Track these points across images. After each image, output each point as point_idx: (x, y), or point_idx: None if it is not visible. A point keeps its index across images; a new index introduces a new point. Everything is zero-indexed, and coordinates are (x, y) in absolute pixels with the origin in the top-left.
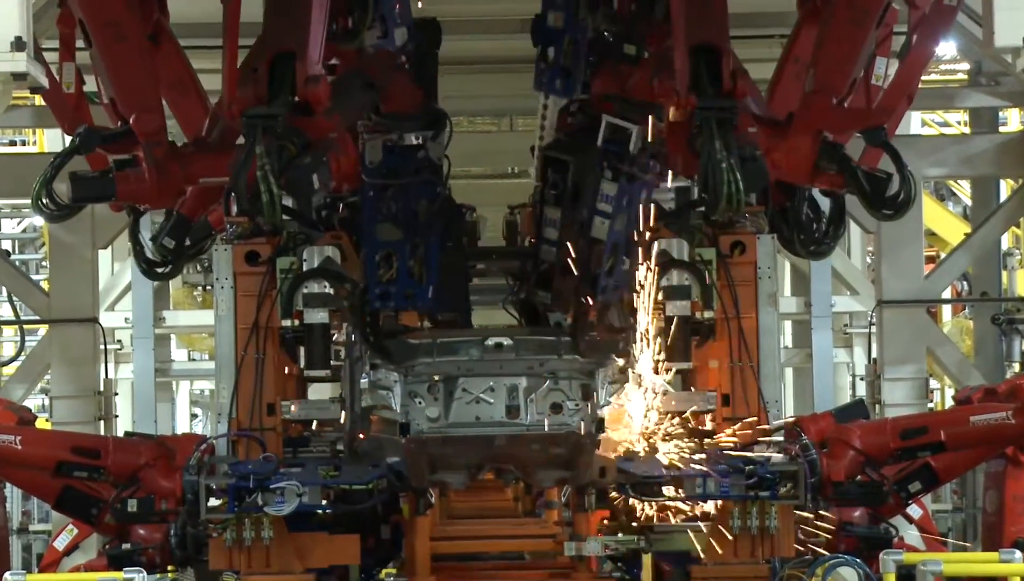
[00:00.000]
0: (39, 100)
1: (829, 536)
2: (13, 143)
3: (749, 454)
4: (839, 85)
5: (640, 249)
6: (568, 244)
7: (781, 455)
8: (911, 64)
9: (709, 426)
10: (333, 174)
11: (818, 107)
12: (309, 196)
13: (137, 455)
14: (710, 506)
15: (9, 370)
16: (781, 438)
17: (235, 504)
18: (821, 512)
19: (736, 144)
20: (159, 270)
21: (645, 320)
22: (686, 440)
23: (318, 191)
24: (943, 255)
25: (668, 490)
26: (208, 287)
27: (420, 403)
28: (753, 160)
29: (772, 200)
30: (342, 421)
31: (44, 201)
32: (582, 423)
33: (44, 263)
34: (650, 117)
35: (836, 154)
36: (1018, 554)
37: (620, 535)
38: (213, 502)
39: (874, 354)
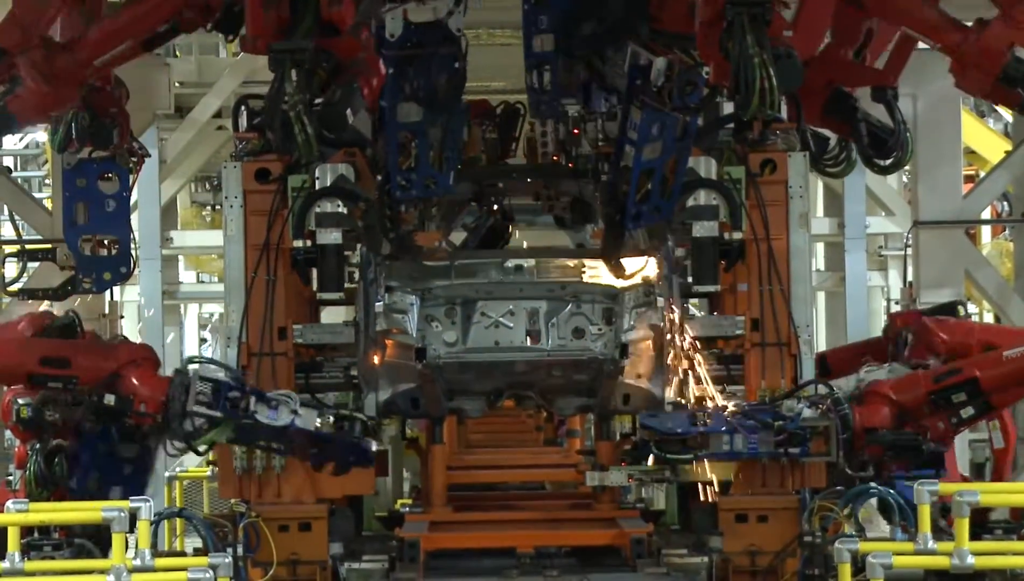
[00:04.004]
0: None
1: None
2: None
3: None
4: (851, 36)
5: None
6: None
7: (811, 410)
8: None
9: None
10: (365, 97)
11: (833, 59)
12: (343, 130)
13: (109, 358)
14: None
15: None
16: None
17: (225, 403)
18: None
19: (768, 41)
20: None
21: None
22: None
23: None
24: (982, 174)
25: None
26: (217, 206)
27: (437, 327)
28: (788, 57)
29: (833, 128)
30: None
31: None
32: (605, 348)
33: (47, 181)
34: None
35: (844, 105)
36: None
37: (645, 465)
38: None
39: (910, 277)
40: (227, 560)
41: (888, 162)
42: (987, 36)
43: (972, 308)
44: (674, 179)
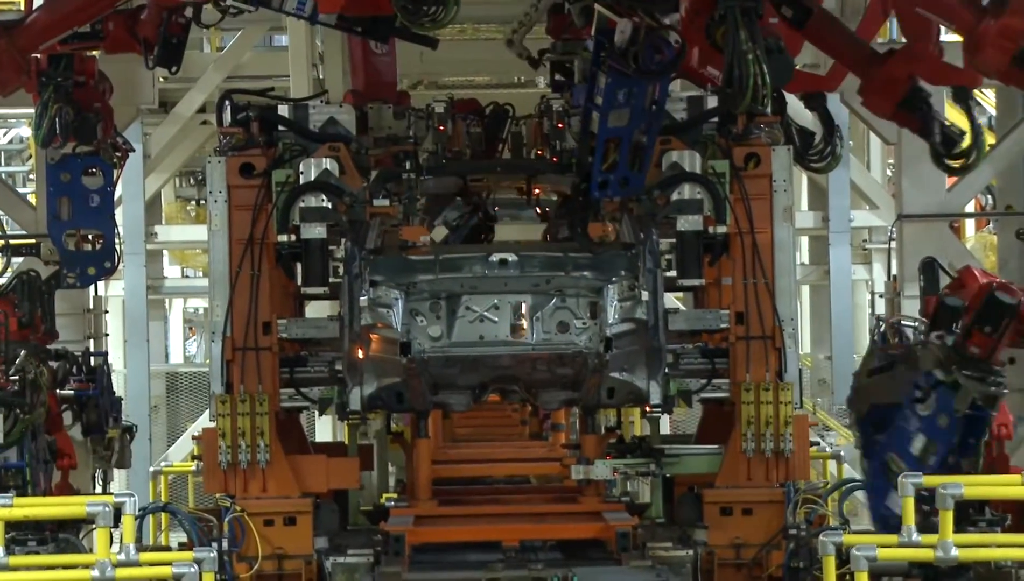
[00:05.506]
0: None
1: None
2: None
3: None
4: (926, 32)
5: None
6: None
7: None
8: None
9: None
10: None
11: (921, 53)
12: None
13: None
14: None
15: None
16: None
17: None
18: None
19: (761, 36)
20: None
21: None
22: None
23: None
24: None
25: None
26: (201, 201)
27: (422, 321)
28: (779, 52)
29: (904, 123)
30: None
31: None
32: (590, 342)
33: (31, 176)
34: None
35: (921, 101)
36: None
37: (630, 458)
38: None
39: (894, 271)
40: (212, 555)
41: (958, 164)
42: (1007, 17)
43: None
44: (645, 150)
